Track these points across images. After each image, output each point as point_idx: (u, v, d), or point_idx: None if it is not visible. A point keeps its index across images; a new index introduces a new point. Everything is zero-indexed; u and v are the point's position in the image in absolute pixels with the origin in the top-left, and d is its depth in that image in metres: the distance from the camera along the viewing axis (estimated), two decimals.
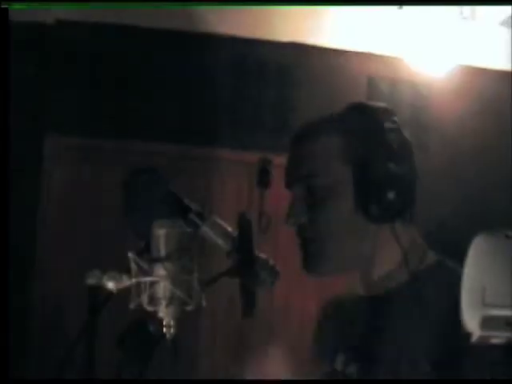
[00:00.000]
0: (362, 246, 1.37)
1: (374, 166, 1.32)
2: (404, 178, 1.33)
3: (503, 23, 4.53)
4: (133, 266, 1.10)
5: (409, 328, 1.30)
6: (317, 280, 1.53)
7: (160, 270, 1.10)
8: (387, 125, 1.36)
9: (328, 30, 4.42)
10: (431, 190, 4.47)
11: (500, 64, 4.58)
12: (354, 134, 1.36)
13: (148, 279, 1.10)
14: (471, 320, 0.82)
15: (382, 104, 1.41)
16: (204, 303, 1.12)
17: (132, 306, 1.10)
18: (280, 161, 1.45)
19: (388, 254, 1.37)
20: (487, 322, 0.81)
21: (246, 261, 1.20)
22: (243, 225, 1.22)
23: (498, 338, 0.83)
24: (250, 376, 1.62)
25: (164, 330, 1.12)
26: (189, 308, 1.12)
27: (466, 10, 4.55)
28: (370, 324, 1.38)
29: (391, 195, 1.31)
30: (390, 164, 1.32)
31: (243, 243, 1.20)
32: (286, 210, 1.40)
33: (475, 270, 0.84)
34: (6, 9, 2.66)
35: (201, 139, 4.34)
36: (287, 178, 1.43)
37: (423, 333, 1.27)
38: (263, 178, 1.41)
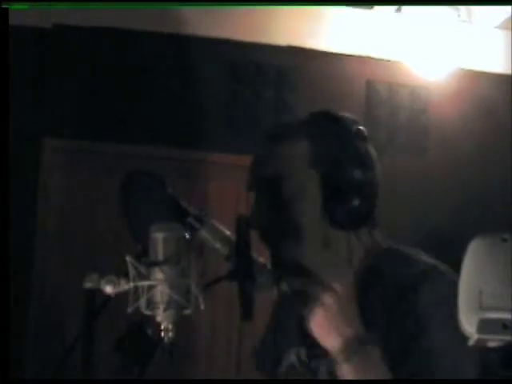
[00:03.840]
0: (325, 251, 1.35)
1: (341, 172, 1.32)
2: (369, 185, 1.34)
3: (500, 26, 4.54)
4: (131, 269, 1.10)
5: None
6: None
7: (158, 274, 1.10)
8: (354, 133, 1.36)
9: (326, 33, 4.43)
10: (430, 193, 4.49)
11: (497, 67, 4.59)
12: (321, 140, 1.35)
13: (146, 283, 1.10)
14: (468, 323, 0.82)
15: (349, 114, 1.41)
16: (202, 307, 1.11)
17: (130, 310, 1.09)
18: None
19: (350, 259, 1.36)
20: (484, 325, 0.81)
21: (243, 264, 1.20)
22: (241, 228, 1.22)
23: (495, 340, 0.83)
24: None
25: (162, 334, 1.12)
26: (187, 312, 1.11)
27: (464, 13, 4.56)
28: None
29: (357, 202, 1.31)
30: (357, 171, 1.32)
31: (241, 247, 1.20)
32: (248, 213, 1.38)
33: (472, 273, 0.84)
34: (6, 9, 2.65)
35: (199, 143, 4.34)
36: (250, 179, 1.41)
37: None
38: None
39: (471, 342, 0.82)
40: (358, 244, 1.37)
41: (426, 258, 1.36)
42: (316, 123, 1.39)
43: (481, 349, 0.82)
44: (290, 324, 1.48)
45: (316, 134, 1.37)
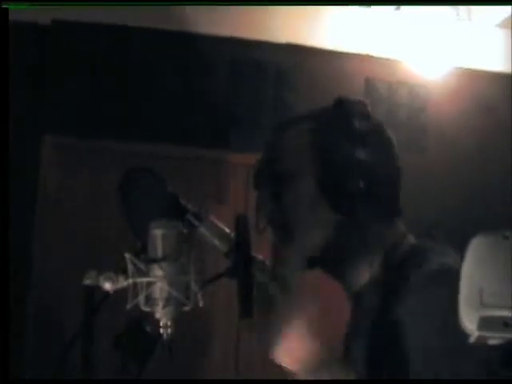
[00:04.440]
0: (327, 235, 1.28)
1: (338, 152, 1.25)
2: (374, 167, 1.26)
3: (500, 25, 4.53)
4: (129, 266, 1.10)
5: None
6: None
7: (157, 271, 1.09)
8: (354, 111, 1.30)
9: (326, 31, 4.43)
10: (429, 191, 4.49)
11: (497, 65, 4.59)
12: (320, 122, 1.31)
13: (145, 280, 1.10)
14: (469, 320, 0.82)
15: (356, 98, 1.36)
16: (201, 304, 1.11)
17: (129, 306, 1.09)
18: None
19: (355, 247, 1.30)
20: (485, 323, 0.81)
21: (243, 262, 1.20)
22: (241, 226, 1.22)
23: (495, 338, 0.82)
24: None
25: (161, 330, 1.11)
26: (186, 309, 1.11)
27: (463, 12, 4.56)
28: None
29: (356, 184, 1.24)
30: (355, 151, 1.25)
31: (240, 244, 1.20)
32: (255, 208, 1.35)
33: (473, 271, 0.84)
34: (6, 9, 2.65)
35: (199, 141, 4.34)
36: (256, 178, 1.38)
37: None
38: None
39: (472, 340, 0.82)
40: (370, 233, 1.30)
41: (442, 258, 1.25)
42: (317, 111, 1.36)
43: (481, 347, 0.82)
44: None
45: (316, 118, 1.34)
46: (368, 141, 1.28)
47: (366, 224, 1.29)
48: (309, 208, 1.29)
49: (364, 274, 1.31)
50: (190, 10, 4.28)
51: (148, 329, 1.18)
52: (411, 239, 1.34)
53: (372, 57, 4.50)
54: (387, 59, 4.52)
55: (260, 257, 1.30)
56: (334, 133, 1.29)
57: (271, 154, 1.36)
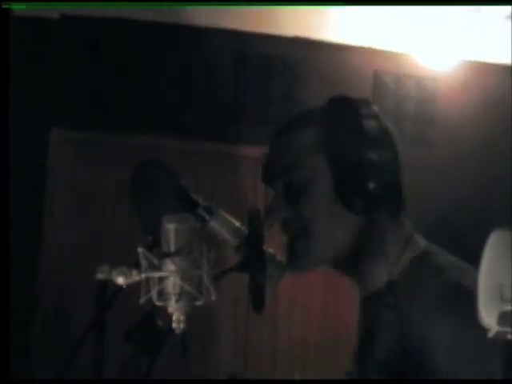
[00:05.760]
0: (346, 236, 1.30)
1: (350, 154, 1.27)
2: (384, 167, 1.28)
3: (510, 16, 4.49)
4: (142, 260, 1.10)
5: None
6: (321, 274, 1.51)
7: (169, 265, 1.09)
8: (364, 112, 1.30)
9: (333, 25, 4.41)
10: (436, 184, 4.48)
11: (505, 58, 4.57)
12: (329, 124, 1.31)
13: (157, 274, 1.09)
14: (488, 316, 0.81)
15: (361, 96, 1.36)
16: (214, 298, 1.11)
17: (142, 301, 1.09)
18: None
19: (373, 247, 1.32)
20: (504, 318, 0.80)
21: (255, 255, 1.19)
22: (253, 219, 1.22)
23: None
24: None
25: (173, 325, 1.11)
26: (198, 303, 1.11)
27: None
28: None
29: (370, 185, 1.26)
30: (368, 152, 1.27)
31: (253, 237, 1.20)
32: (266, 208, 1.35)
33: (492, 266, 0.83)
34: (7, 9, 2.67)
35: (207, 134, 4.33)
36: (266, 175, 1.38)
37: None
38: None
39: (491, 335, 0.81)
40: (378, 229, 1.32)
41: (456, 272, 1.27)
42: (324, 109, 1.35)
43: (501, 342, 0.81)
44: None
45: (324, 119, 1.33)
46: (377, 141, 1.29)
47: (380, 223, 1.32)
48: (325, 211, 1.30)
49: (381, 274, 1.31)
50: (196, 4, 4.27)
51: (159, 323, 1.17)
52: (420, 240, 1.35)
53: (380, 50, 4.49)
54: (395, 52, 4.51)
55: (271, 250, 1.30)
56: (345, 135, 1.29)
57: (282, 160, 1.34)
